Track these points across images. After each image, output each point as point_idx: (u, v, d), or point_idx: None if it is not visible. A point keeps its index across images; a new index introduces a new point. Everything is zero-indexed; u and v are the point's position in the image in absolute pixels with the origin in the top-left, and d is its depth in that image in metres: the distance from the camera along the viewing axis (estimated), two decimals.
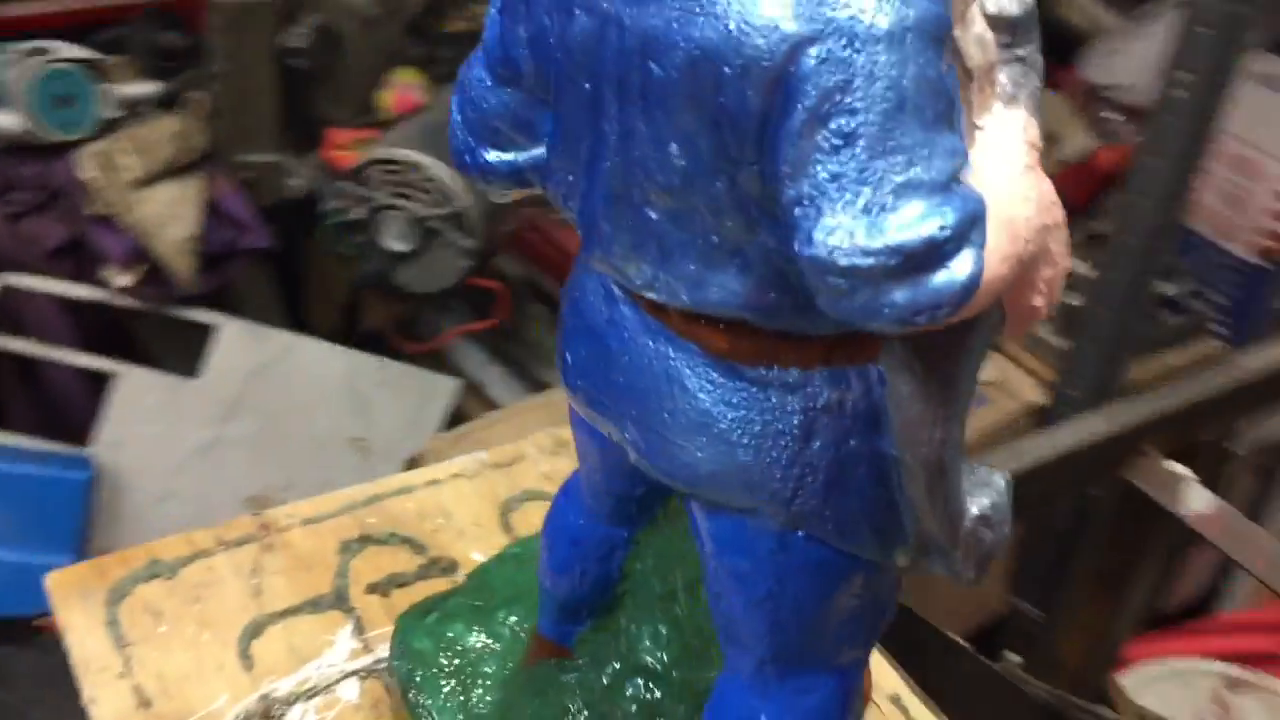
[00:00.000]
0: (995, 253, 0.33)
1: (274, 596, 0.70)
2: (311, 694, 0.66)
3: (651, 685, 0.51)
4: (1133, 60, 1.58)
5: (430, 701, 0.58)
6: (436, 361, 1.52)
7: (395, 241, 1.37)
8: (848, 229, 0.31)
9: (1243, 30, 1.26)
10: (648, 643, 0.52)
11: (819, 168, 0.32)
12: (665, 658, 0.51)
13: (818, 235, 0.32)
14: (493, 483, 0.80)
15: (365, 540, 0.74)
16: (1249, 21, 1.25)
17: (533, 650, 0.58)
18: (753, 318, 0.38)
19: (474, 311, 1.51)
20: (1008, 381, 1.50)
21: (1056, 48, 1.86)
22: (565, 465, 0.82)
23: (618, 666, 0.52)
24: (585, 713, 0.52)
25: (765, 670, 0.45)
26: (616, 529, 0.52)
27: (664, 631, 0.51)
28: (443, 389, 1.47)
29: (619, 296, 0.42)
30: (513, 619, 0.61)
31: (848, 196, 0.31)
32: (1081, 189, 1.65)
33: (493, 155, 0.42)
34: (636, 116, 0.35)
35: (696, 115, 0.34)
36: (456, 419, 1.46)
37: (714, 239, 0.36)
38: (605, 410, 0.43)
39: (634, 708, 0.51)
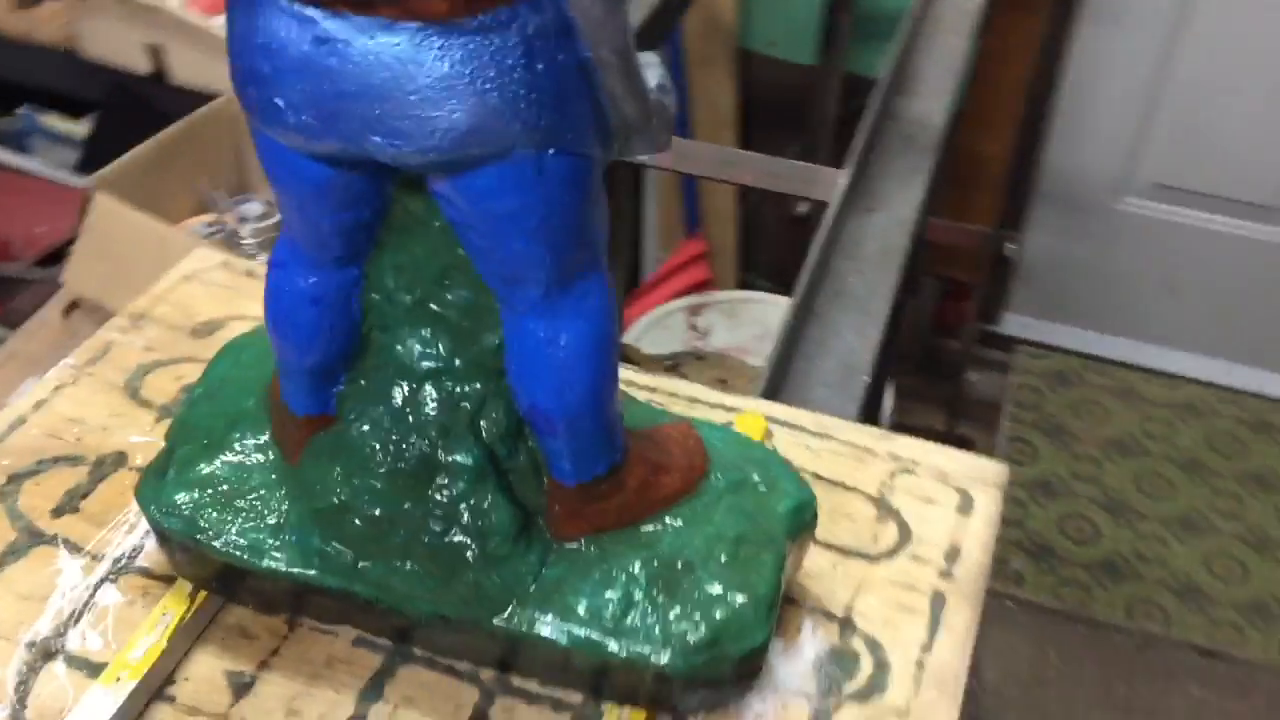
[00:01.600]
0: None
1: None
2: (76, 618, 0.63)
3: (439, 381, 0.56)
4: None
5: (234, 534, 0.59)
6: None
7: None
8: None
9: None
10: (418, 349, 0.56)
11: None
12: (441, 350, 0.56)
13: None
14: (98, 378, 0.77)
15: (16, 479, 0.70)
16: None
17: (295, 439, 0.60)
18: None
19: None
20: None
21: None
22: (156, 333, 0.80)
23: (400, 387, 0.57)
24: (390, 447, 0.57)
25: (551, 294, 0.52)
26: (348, 269, 0.55)
27: (428, 334, 0.56)
28: None
29: (317, 17, 0.44)
30: (246, 437, 0.63)
31: None
32: None
33: None
34: None
35: None
36: None
37: None
38: (339, 131, 0.46)
39: (433, 411, 0.56)
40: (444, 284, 0.55)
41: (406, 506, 0.57)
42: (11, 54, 1.82)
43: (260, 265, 0.87)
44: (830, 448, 0.76)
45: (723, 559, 0.58)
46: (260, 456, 0.62)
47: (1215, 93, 2.01)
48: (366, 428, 0.58)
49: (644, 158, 0.98)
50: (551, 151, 0.48)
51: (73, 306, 1.39)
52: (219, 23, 1.63)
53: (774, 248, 2.16)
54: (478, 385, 0.57)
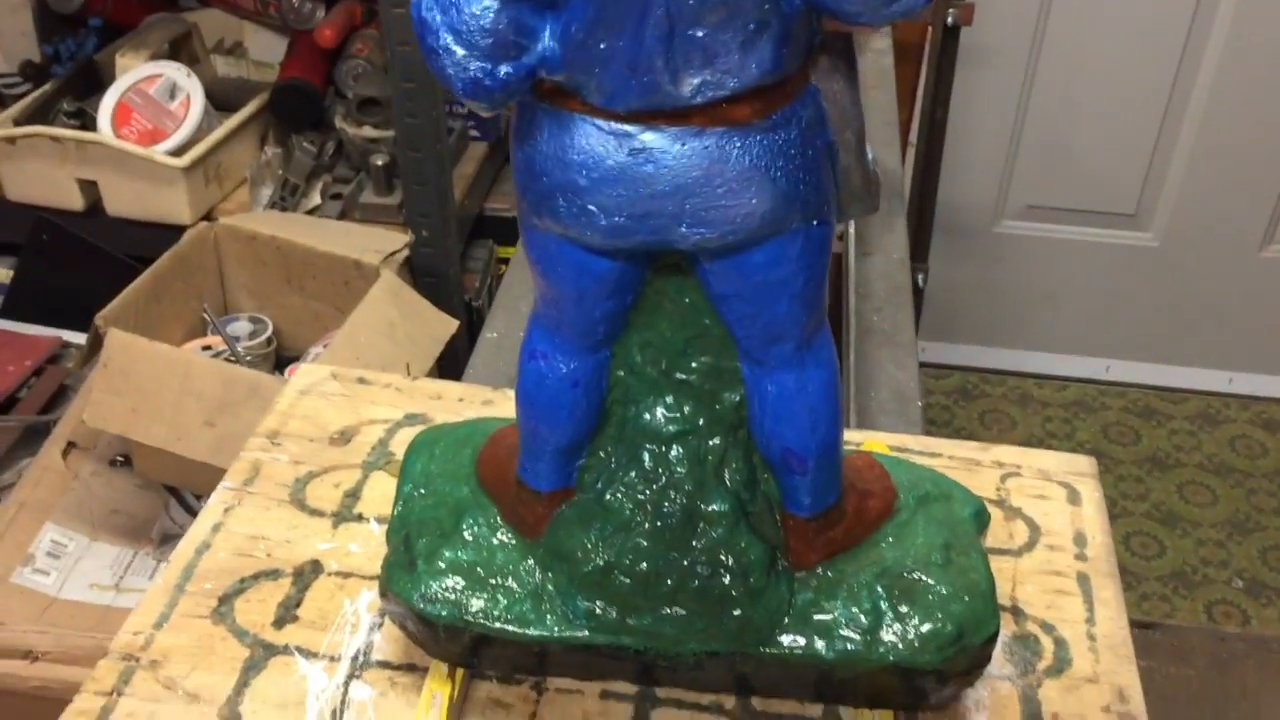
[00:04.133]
0: None
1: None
2: (339, 717, 0.66)
3: (685, 441, 0.62)
4: None
5: (502, 610, 0.63)
6: None
7: None
8: None
9: None
10: (664, 414, 0.62)
11: None
12: (685, 413, 0.62)
13: None
14: (262, 495, 0.80)
15: (226, 600, 0.72)
16: None
17: (538, 515, 0.65)
18: (772, 78, 0.50)
19: None
20: None
21: None
22: (297, 448, 0.83)
23: (648, 451, 0.62)
24: (649, 506, 0.62)
25: (802, 347, 0.59)
26: (603, 352, 0.61)
27: (672, 400, 0.62)
28: None
29: (634, 131, 0.51)
30: (477, 522, 0.68)
31: None
32: (315, 70, 1.78)
33: (506, 69, 0.48)
34: None
35: None
36: None
37: (750, 25, 0.48)
38: (649, 227, 0.53)
39: (683, 469, 0.62)
40: (687, 353, 0.62)
41: (673, 557, 0.62)
42: None
43: (363, 372, 0.92)
44: (942, 464, 0.84)
45: (940, 564, 0.66)
46: (497, 537, 0.67)
47: (1071, 118, 2.21)
48: (621, 492, 0.63)
49: None
50: (815, 223, 0.56)
51: (70, 447, 1.37)
52: (152, 151, 1.64)
53: None
54: (718, 440, 0.63)
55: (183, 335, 1.39)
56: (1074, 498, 0.82)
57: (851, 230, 1.19)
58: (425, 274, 1.63)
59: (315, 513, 0.79)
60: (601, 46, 0.48)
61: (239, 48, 2.02)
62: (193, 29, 1.91)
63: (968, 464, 0.85)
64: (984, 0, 2.01)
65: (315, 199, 1.74)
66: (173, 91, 1.69)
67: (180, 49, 1.87)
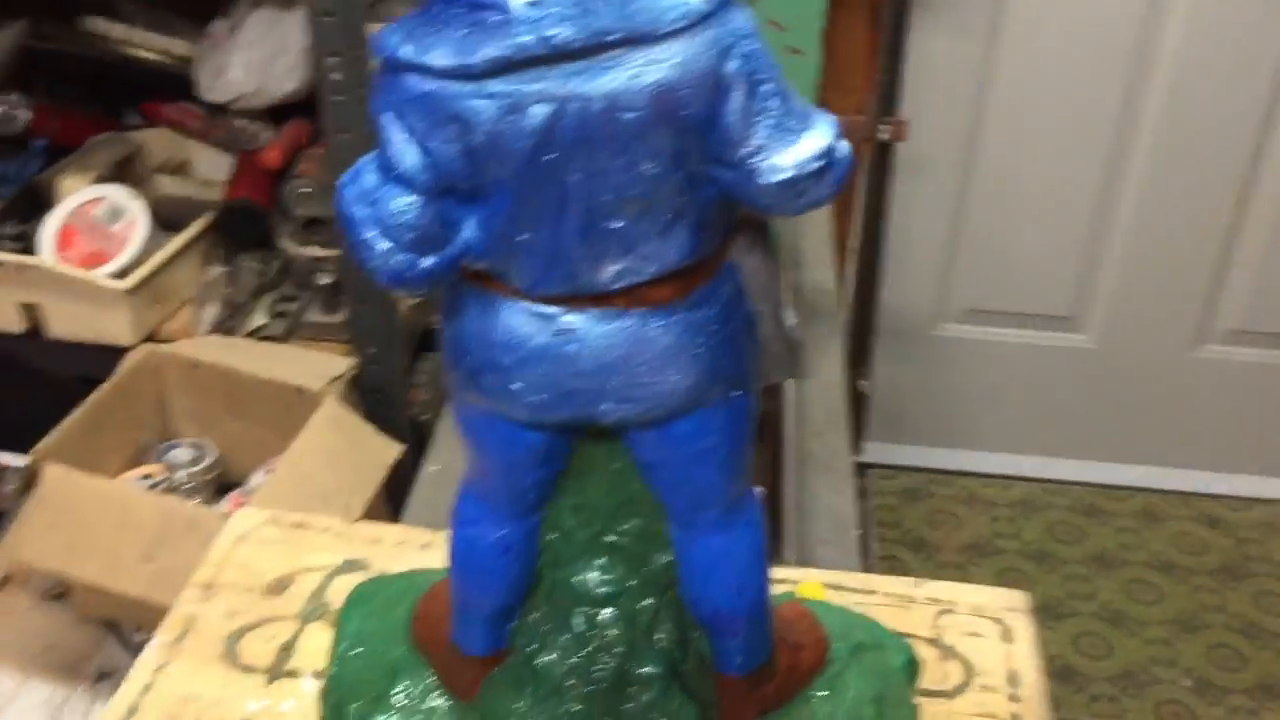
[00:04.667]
0: None
1: None
2: None
3: (617, 603, 0.63)
4: (242, 70, 1.74)
5: None
6: None
7: None
8: (795, 153, 0.48)
9: (360, 11, 1.48)
10: (596, 577, 0.63)
11: (760, 126, 0.47)
12: (617, 575, 0.63)
13: (783, 165, 0.48)
14: (193, 652, 0.79)
15: None
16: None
17: (470, 678, 0.65)
18: (691, 261, 0.52)
19: None
20: None
21: (148, 89, 1.93)
22: (232, 599, 0.83)
23: (580, 614, 0.63)
24: (580, 670, 0.62)
25: (728, 513, 0.60)
26: (534, 517, 0.61)
27: (604, 562, 0.63)
28: None
29: (558, 314, 0.52)
30: (411, 684, 0.67)
31: (789, 136, 0.48)
32: (261, 189, 1.79)
33: (430, 261, 0.49)
34: (606, 159, 0.47)
35: (665, 133, 0.47)
36: None
37: (667, 216, 0.50)
38: (573, 404, 0.54)
39: (615, 631, 0.63)
40: (617, 517, 0.63)
41: None
42: None
43: (300, 516, 0.91)
44: (877, 600, 0.85)
45: (872, 718, 0.66)
46: (430, 701, 0.67)
47: (1006, 225, 2.27)
48: (553, 656, 0.63)
49: None
50: (737, 394, 0.57)
51: (4, 581, 1.35)
52: (95, 275, 1.64)
53: None
54: (650, 601, 0.64)
55: (123, 463, 1.38)
56: (1007, 635, 0.83)
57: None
58: (372, 390, 1.63)
59: (248, 669, 0.78)
60: (522, 238, 0.50)
61: (185, 166, 2.02)
62: (138, 149, 1.92)
63: (902, 601, 0.86)
64: (916, 114, 2.07)
65: (260, 318, 1.74)
66: (116, 214, 1.69)
67: (126, 169, 1.88)
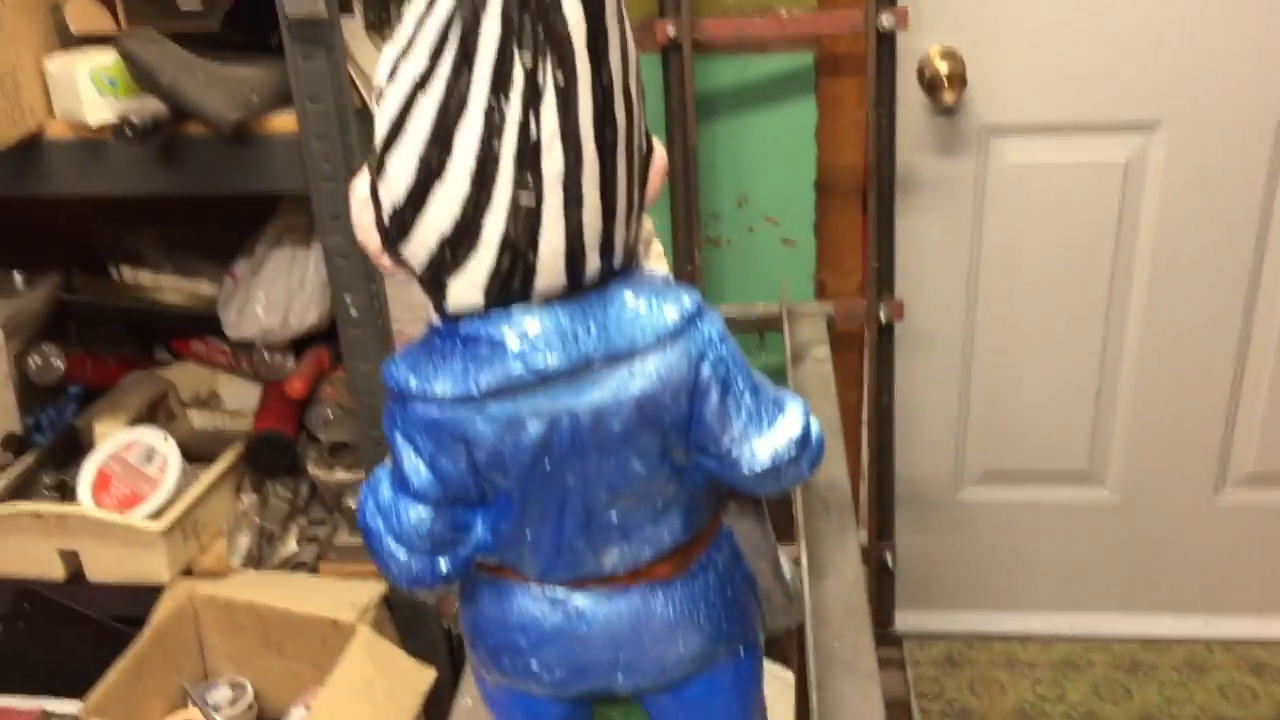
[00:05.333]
0: None
1: None
2: None
3: None
4: (264, 307, 1.83)
5: None
6: None
7: None
8: (771, 441, 0.53)
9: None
10: None
11: (736, 421, 0.52)
12: None
13: (761, 454, 0.52)
14: None
15: None
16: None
17: None
18: (685, 539, 0.56)
19: None
20: None
21: (176, 328, 2.03)
22: None
23: None
24: None
25: None
26: None
27: None
28: None
29: (564, 597, 0.57)
30: None
31: (763, 426, 0.53)
32: (288, 418, 1.86)
33: (445, 563, 0.54)
34: (599, 461, 0.52)
35: (650, 434, 0.52)
36: None
37: (659, 504, 0.54)
38: (589, 679, 0.58)
39: None
40: None
41: None
42: None
43: None
44: None
45: None
46: None
47: (1013, 387, 2.31)
48: None
49: None
50: (742, 652, 0.61)
51: None
52: (131, 518, 1.69)
53: None
54: None
55: (166, 706, 1.41)
56: None
57: (804, 553, 1.24)
58: (403, 608, 1.66)
59: None
60: (529, 535, 0.54)
61: (214, 398, 2.10)
62: (169, 386, 1.99)
63: None
64: (913, 291, 2.14)
65: (292, 544, 1.78)
66: (150, 455, 1.76)
67: (158, 407, 1.96)
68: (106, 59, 1.44)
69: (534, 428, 0.51)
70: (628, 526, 0.54)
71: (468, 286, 0.49)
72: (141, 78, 1.41)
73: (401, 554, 0.53)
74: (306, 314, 1.84)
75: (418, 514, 0.53)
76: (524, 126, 0.48)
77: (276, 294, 1.83)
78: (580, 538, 0.54)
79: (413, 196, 0.50)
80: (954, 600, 2.53)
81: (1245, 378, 2.27)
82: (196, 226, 2.00)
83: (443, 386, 0.51)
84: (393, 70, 0.50)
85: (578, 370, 0.50)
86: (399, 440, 0.53)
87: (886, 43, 1.84)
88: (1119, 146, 2.10)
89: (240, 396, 2.07)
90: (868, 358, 2.07)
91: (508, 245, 0.49)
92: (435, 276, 0.50)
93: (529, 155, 0.48)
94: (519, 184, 0.48)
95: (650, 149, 0.54)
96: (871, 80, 1.86)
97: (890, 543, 2.17)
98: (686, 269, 2.02)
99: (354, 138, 1.46)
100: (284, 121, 1.48)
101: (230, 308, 1.87)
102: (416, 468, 0.52)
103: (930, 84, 2.00)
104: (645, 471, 0.53)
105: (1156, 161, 2.09)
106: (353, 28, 1.52)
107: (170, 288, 2.01)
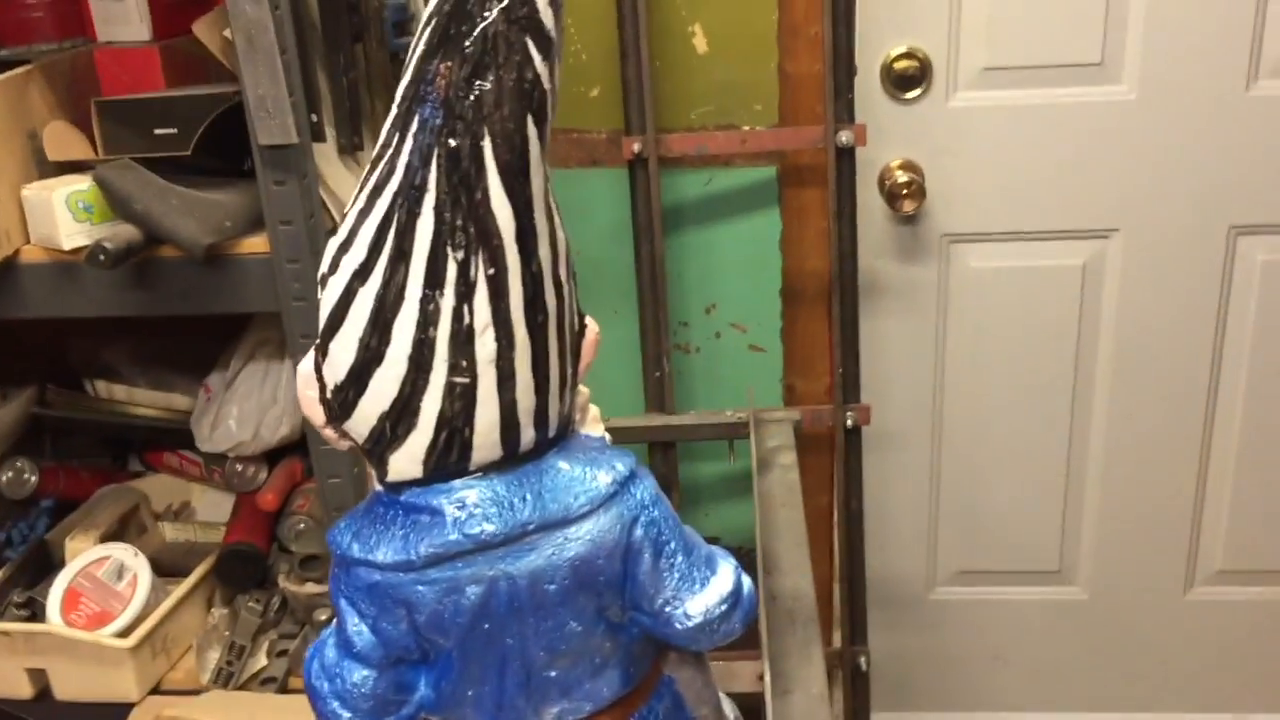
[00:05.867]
0: None
1: None
2: None
3: None
4: (236, 421, 1.84)
5: None
6: None
7: None
8: (703, 600, 0.55)
9: None
10: None
11: (669, 580, 0.55)
12: None
13: (693, 612, 0.55)
14: None
15: None
16: None
17: None
18: (622, 693, 0.58)
19: None
20: None
21: (150, 441, 2.04)
22: None
23: None
24: None
25: None
26: None
27: None
28: None
29: None
30: None
31: (695, 585, 0.55)
32: (259, 531, 1.87)
33: None
34: (536, 622, 0.54)
35: (586, 595, 0.54)
36: None
37: (597, 660, 0.56)
38: None
39: None
40: None
41: None
42: None
43: None
44: None
45: None
46: None
47: (982, 487, 2.34)
48: None
49: None
50: None
51: None
52: (100, 636, 1.69)
53: None
54: None
55: None
56: None
57: (768, 669, 1.25)
58: None
59: None
60: (470, 693, 0.56)
61: (187, 509, 2.11)
62: (141, 500, 2.00)
63: None
64: (880, 394, 2.17)
65: (261, 659, 1.78)
66: (120, 572, 1.76)
67: (129, 520, 1.96)
68: (83, 185, 1.47)
69: (472, 592, 0.53)
70: (567, 683, 0.56)
71: (408, 460, 0.52)
72: (117, 205, 1.44)
73: (345, 715, 0.55)
74: (279, 427, 1.86)
75: (361, 675, 0.55)
76: (458, 314, 0.51)
77: (249, 407, 1.85)
78: (521, 695, 0.56)
79: (354, 377, 0.52)
80: (929, 701, 2.53)
81: (1209, 475, 2.30)
82: (170, 340, 2.02)
83: (384, 554, 0.53)
84: (334, 262, 0.53)
85: (514, 537, 0.52)
86: (343, 604, 0.55)
87: (846, 157, 1.89)
88: (1077, 250, 2.15)
89: (213, 507, 2.08)
90: (837, 462, 2.10)
91: (444, 422, 0.51)
92: (377, 450, 0.53)
93: (463, 340, 0.51)
94: (454, 368, 0.51)
95: (583, 326, 0.57)
96: (832, 193, 1.91)
97: (864, 646, 2.17)
98: (655, 375, 2.05)
99: None
100: (256, 243, 1.50)
101: (203, 421, 1.89)
102: (360, 630, 0.54)
103: (890, 194, 2.05)
104: (582, 630, 0.55)
105: (1114, 265, 2.14)
106: (325, 152, 1.56)
107: (144, 401, 2.02)
